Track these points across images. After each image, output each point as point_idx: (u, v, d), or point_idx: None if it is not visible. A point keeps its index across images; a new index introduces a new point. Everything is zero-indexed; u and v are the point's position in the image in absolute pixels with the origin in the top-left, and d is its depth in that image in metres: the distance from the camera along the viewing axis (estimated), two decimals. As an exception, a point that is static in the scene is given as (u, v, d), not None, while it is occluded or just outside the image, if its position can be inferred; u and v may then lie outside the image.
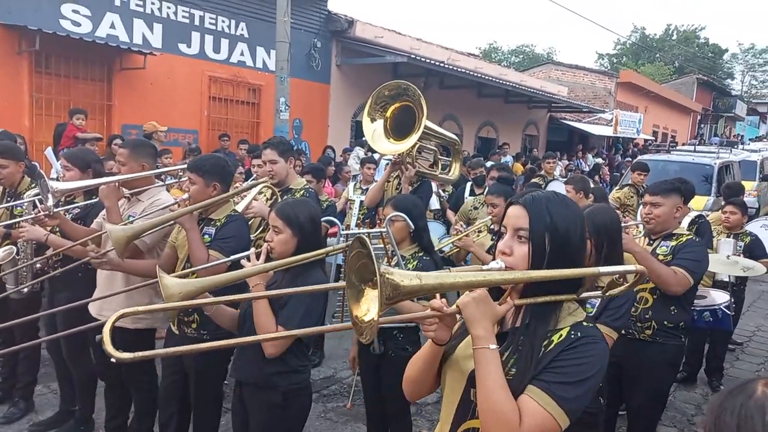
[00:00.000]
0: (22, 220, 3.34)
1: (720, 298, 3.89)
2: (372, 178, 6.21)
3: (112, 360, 1.31)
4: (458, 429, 1.43)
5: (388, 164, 4.63)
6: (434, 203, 5.56)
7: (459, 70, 13.53)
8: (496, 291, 1.42)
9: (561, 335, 1.35)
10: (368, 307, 1.26)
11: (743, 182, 8.66)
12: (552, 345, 1.34)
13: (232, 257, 2.47)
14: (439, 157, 4.73)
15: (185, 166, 3.27)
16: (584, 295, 1.41)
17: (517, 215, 1.41)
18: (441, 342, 1.43)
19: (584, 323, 1.39)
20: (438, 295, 1.41)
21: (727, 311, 3.81)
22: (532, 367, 1.31)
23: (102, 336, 1.33)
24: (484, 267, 1.39)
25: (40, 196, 3.20)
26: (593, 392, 1.36)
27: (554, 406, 1.27)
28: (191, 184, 2.88)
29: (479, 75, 14.30)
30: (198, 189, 2.86)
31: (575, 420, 2.38)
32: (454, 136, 4.95)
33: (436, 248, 3.33)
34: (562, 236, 1.37)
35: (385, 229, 2.70)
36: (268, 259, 2.29)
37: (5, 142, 4.51)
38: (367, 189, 5.84)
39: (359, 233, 2.58)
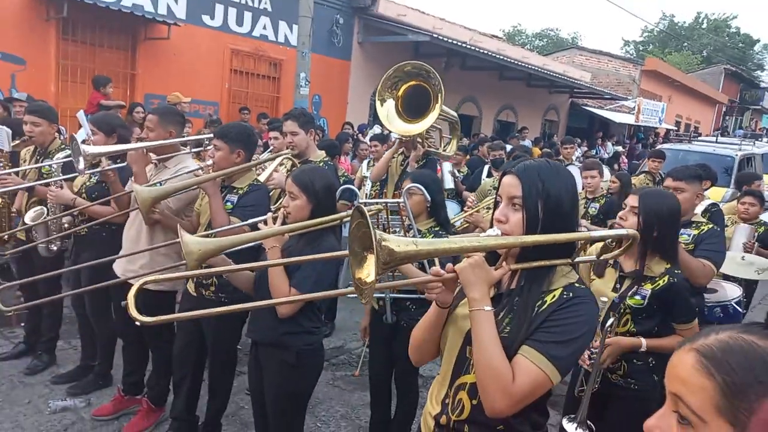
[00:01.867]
0: (52, 181, 3.46)
1: (732, 292, 3.82)
2: (381, 154, 6.27)
3: (137, 323, 1.45)
4: (455, 383, 1.53)
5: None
6: (448, 182, 5.61)
7: (481, 51, 13.40)
8: (494, 256, 1.50)
9: (554, 296, 1.42)
10: (369, 271, 1.34)
11: (766, 175, 8.54)
12: (545, 305, 1.41)
13: (250, 221, 2.55)
14: (444, 135, 4.82)
15: (210, 135, 3.36)
16: (578, 259, 1.46)
17: (510, 184, 1.47)
18: (444, 305, 1.52)
19: (576, 284, 1.45)
20: (437, 261, 1.46)
21: (738, 307, 3.77)
22: (525, 326, 1.39)
23: (127, 301, 1.48)
24: (482, 234, 1.45)
25: (70, 158, 3.31)
26: (586, 348, 1.43)
27: (546, 363, 1.34)
28: (216, 150, 2.94)
29: (501, 57, 14.16)
30: (222, 155, 2.92)
31: (634, 395, 2.45)
32: (454, 114, 5.04)
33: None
34: (554, 202, 1.43)
35: (402, 200, 2.75)
36: (284, 224, 2.37)
37: (40, 102, 4.64)
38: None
39: (378, 202, 2.64)
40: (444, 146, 4.95)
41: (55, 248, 3.64)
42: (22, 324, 4.32)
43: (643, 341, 2.44)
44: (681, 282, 2.47)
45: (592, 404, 2.38)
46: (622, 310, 2.47)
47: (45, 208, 3.57)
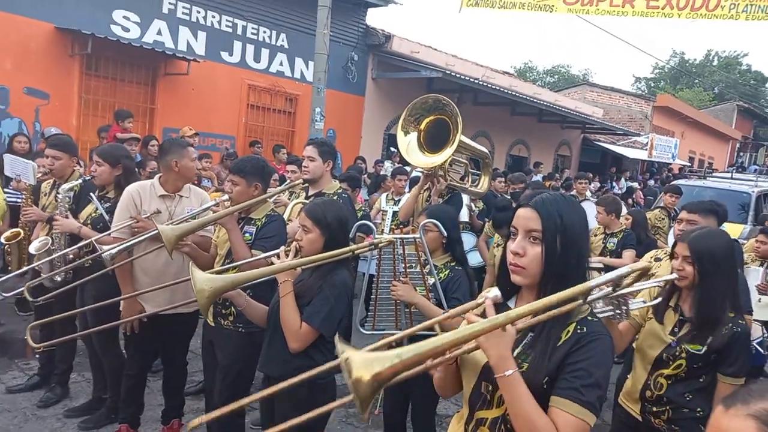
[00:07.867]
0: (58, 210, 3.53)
1: (754, 332, 3.73)
2: (403, 189, 6.28)
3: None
4: (473, 418, 1.51)
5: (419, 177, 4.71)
6: (464, 216, 5.61)
7: (493, 87, 13.56)
8: (514, 287, 1.52)
9: (568, 331, 1.42)
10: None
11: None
12: (561, 342, 1.41)
13: (264, 254, 2.55)
14: (470, 170, 4.79)
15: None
16: (591, 297, 1.42)
17: (527, 217, 1.46)
18: None
19: (588, 318, 1.45)
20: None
21: (761, 348, 3.68)
22: (546, 363, 1.39)
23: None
24: (480, 300, 1.46)
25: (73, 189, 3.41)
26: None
27: (583, 411, 1.34)
28: (234, 185, 2.97)
29: (513, 93, 14.31)
30: (241, 190, 2.96)
31: None
32: (484, 150, 5.01)
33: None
34: (571, 237, 1.43)
35: (418, 236, 2.74)
36: (296, 257, 2.36)
37: (62, 136, 4.73)
38: (398, 200, 5.92)
39: (394, 238, 2.63)
40: (473, 183, 4.90)
41: (59, 279, 3.62)
42: (37, 355, 4.32)
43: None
44: (744, 332, 2.34)
45: None
46: (677, 354, 2.35)
47: (50, 239, 3.61)
